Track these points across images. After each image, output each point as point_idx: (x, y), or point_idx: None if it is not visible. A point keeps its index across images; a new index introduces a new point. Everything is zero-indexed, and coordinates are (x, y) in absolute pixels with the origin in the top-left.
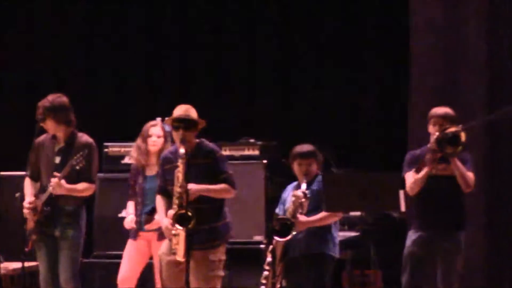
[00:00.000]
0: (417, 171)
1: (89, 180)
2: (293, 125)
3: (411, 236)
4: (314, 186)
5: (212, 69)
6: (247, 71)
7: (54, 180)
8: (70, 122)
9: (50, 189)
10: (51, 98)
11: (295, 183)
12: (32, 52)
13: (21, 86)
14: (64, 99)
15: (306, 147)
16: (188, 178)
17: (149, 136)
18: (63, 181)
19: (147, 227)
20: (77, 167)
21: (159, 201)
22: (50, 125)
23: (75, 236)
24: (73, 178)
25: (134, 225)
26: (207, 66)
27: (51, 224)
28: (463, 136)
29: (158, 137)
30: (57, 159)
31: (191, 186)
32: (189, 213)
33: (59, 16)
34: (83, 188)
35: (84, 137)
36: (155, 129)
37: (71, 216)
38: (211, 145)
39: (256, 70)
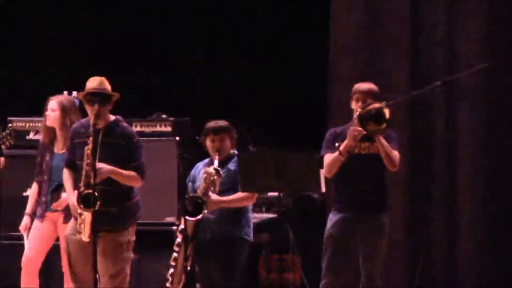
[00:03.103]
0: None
1: (1, 155)
2: (208, 101)
3: (332, 218)
4: (231, 166)
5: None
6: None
7: None
8: None
9: None
10: None
11: (206, 160)
12: None
13: None
14: None
15: (219, 123)
16: (97, 156)
17: (46, 110)
18: None
19: (54, 206)
20: (3, 147)
21: (66, 176)
22: None
23: None
24: None
25: (26, 231)
26: (121, 36)
27: None
28: (387, 113)
29: (52, 110)
30: None
31: (102, 166)
32: (95, 194)
33: None
34: None
35: None
36: (51, 103)
37: None
38: (129, 128)
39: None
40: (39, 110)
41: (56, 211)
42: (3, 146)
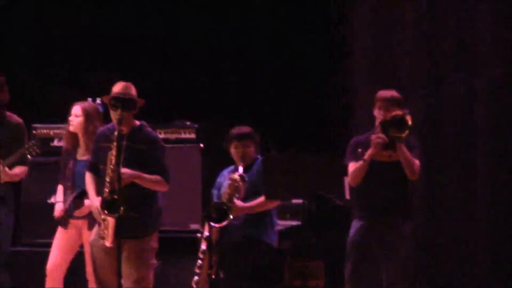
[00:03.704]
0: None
1: (24, 163)
2: (231, 107)
3: (355, 225)
4: (255, 171)
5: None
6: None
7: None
8: (2, 102)
9: None
10: None
11: (231, 167)
12: None
13: None
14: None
15: (243, 129)
16: (121, 162)
17: (70, 115)
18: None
19: (76, 213)
20: (30, 156)
21: (89, 179)
22: None
23: (5, 220)
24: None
25: (62, 214)
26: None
27: None
28: (409, 120)
29: (76, 116)
30: None
31: (125, 171)
32: (119, 200)
33: None
34: (20, 172)
35: (14, 117)
36: (74, 108)
37: (1, 199)
38: (153, 132)
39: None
40: (64, 117)
41: (77, 218)
42: (29, 156)
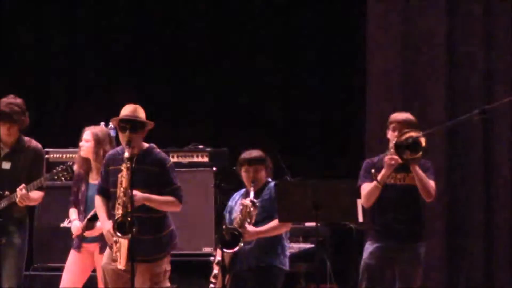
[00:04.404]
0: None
1: (42, 188)
2: (242, 131)
3: (368, 248)
4: (266, 195)
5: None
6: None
7: (22, 193)
8: (23, 127)
9: (16, 201)
10: (11, 101)
11: (242, 191)
12: None
13: None
14: (20, 101)
15: (254, 153)
16: (132, 184)
17: (80, 140)
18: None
19: (87, 233)
20: (58, 182)
21: (99, 203)
22: (3, 129)
23: (21, 244)
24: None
25: (80, 231)
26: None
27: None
28: (423, 142)
29: (86, 141)
30: (6, 165)
31: (137, 193)
32: (131, 221)
33: None
34: (38, 197)
35: (33, 142)
36: (85, 133)
37: (17, 223)
38: (162, 153)
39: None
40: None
41: (89, 241)
42: (58, 182)
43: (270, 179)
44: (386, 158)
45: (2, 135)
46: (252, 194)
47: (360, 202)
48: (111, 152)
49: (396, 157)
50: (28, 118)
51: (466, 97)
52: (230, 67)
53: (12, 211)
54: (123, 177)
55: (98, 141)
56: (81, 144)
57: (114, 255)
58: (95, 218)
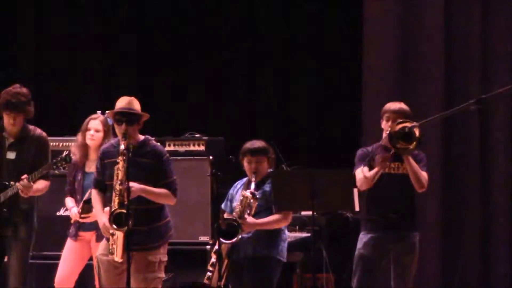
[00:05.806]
0: (369, 168)
1: (47, 178)
2: (241, 120)
3: (362, 238)
4: (267, 187)
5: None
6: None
7: (24, 183)
8: (28, 116)
9: (19, 191)
10: (17, 90)
11: (245, 180)
12: None
13: None
14: (25, 90)
15: (257, 143)
16: (129, 176)
17: (88, 130)
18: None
19: (83, 216)
20: (57, 172)
21: (95, 196)
22: (8, 118)
23: (26, 237)
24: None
25: (79, 217)
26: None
27: (5, 224)
28: (416, 132)
29: (97, 131)
30: (11, 155)
31: (133, 185)
32: (127, 213)
33: None
34: (43, 186)
35: (37, 131)
36: (94, 123)
37: (23, 215)
38: (158, 146)
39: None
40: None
41: (86, 230)
42: (56, 171)
43: (271, 170)
44: (377, 157)
45: (7, 124)
46: (253, 185)
47: (356, 192)
48: (105, 145)
49: (386, 155)
50: (33, 108)
51: (464, 94)
52: (229, 58)
53: (18, 202)
54: (119, 169)
55: (108, 132)
56: (91, 133)
57: (110, 247)
58: (91, 200)
